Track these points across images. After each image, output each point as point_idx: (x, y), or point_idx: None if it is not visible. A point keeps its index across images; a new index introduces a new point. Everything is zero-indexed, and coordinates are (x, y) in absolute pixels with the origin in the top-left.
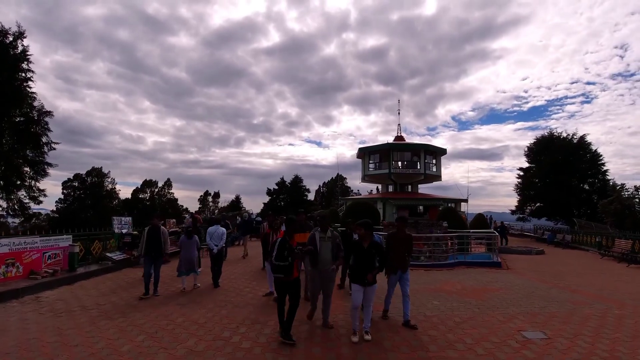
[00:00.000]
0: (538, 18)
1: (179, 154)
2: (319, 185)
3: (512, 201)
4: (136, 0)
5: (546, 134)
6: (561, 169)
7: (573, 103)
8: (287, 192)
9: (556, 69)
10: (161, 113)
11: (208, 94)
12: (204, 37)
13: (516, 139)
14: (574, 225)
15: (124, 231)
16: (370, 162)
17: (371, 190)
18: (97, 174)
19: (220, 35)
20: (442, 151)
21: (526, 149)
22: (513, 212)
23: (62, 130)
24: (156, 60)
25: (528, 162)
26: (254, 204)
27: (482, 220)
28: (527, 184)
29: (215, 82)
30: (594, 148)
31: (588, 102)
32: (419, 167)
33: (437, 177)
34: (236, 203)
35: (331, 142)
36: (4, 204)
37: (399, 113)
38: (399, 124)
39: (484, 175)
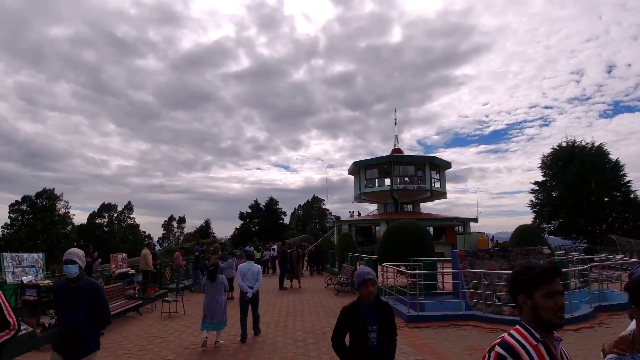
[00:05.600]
0: (498, 46)
1: (144, 178)
2: (294, 209)
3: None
4: (104, 22)
5: (564, 143)
6: (584, 182)
7: (532, 126)
8: (262, 216)
9: (515, 94)
10: (126, 136)
11: (175, 117)
12: (172, 61)
13: (479, 161)
14: (596, 243)
15: (25, 280)
16: (367, 178)
17: (358, 212)
18: (48, 197)
19: (189, 59)
20: (447, 165)
21: (542, 161)
22: None
23: (23, 154)
24: (122, 83)
25: (543, 175)
26: (223, 229)
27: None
28: (545, 199)
29: (182, 105)
30: (613, 158)
31: (546, 125)
32: (420, 183)
33: (443, 194)
34: (205, 229)
35: (299, 166)
36: None
37: (395, 123)
38: (395, 135)
39: (449, 197)
